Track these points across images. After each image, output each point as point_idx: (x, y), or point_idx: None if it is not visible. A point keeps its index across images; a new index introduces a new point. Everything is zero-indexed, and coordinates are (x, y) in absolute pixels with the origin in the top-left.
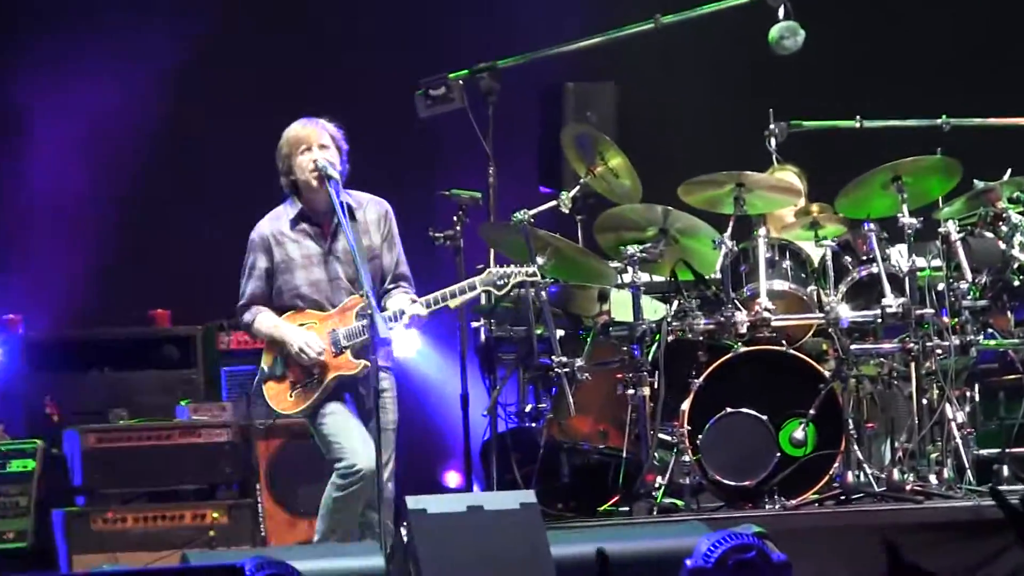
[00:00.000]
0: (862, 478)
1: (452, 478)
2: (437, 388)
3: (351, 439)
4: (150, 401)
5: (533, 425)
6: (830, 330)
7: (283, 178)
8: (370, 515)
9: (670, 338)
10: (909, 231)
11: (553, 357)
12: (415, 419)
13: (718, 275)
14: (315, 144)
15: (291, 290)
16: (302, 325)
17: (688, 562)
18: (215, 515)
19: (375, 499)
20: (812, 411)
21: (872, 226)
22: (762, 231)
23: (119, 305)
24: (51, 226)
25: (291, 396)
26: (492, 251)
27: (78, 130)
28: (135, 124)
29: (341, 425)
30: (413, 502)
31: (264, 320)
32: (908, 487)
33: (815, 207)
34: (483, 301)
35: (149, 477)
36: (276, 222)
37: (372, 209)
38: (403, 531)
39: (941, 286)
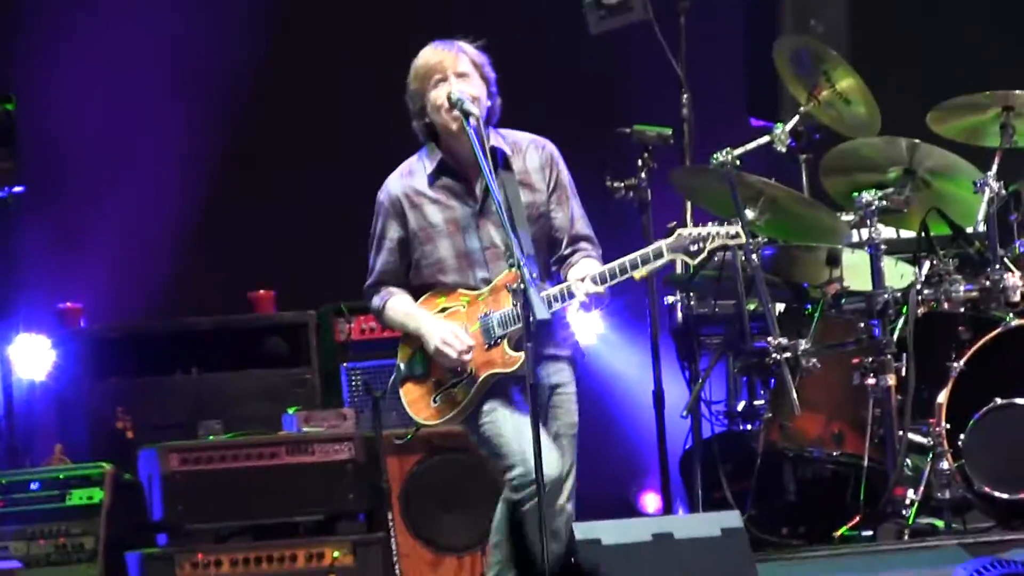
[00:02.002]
0: None
1: (650, 500)
2: (624, 383)
3: (522, 440)
4: (251, 410)
5: (747, 428)
6: None
7: (415, 121)
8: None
9: (921, 311)
10: None
11: (770, 339)
12: (597, 423)
13: (982, 227)
14: (451, 72)
15: (432, 264)
16: (445, 310)
17: None
18: (336, 554)
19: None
20: None
21: None
22: None
23: (209, 288)
24: (120, 189)
25: (435, 402)
26: (688, 204)
27: (156, 74)
28: (224, 63)
29: (509, 424)
30: (583, 531)
31: (397, 305)
32: None
33: None
34: (679, 270)
35: (250, 508)
36: (409, 179)
37: (533, 154)
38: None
39: None
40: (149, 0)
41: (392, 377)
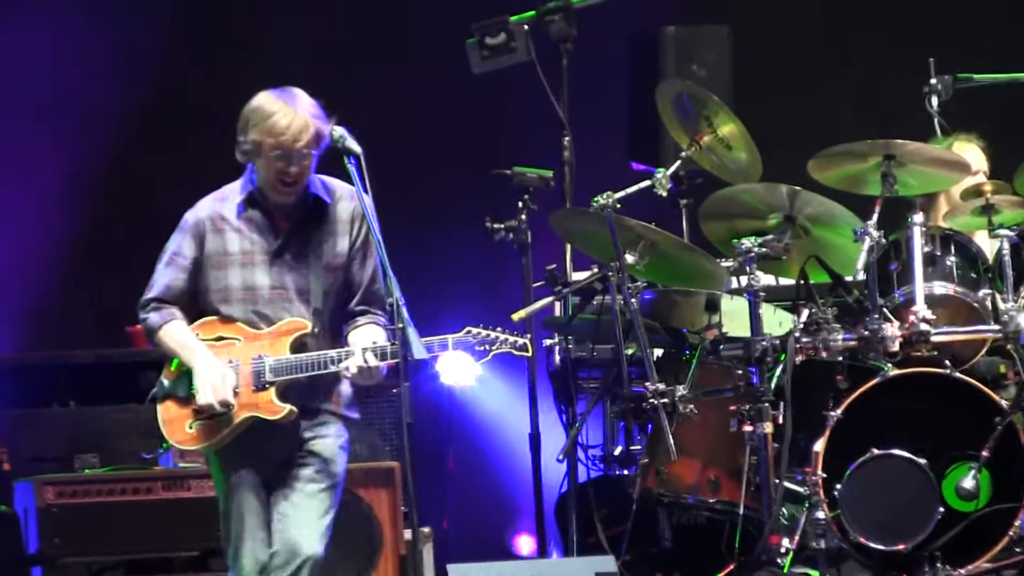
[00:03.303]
0: None
1: (524, 543)
2: (501, 425)
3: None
4: (128, 444)
5: (624, 473)
6: (1009, 347)
7: (239, 150)
8: None
9: (799, 359)
10: None
11: (648, 384)
12: (473, 465)
13: (861, 276)
14: (294, 152)
15: (219, 291)
16: (221, 339)
17: None
18: None
19: None
20: (986, 453)
21: None
22: (918, 218)
23: (87, 322)
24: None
25: (190, 428)
26: (568, 247)
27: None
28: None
29: (242, 514)
30: (457, 572)
31: (175, 332)
32: None
33: (988, 186)
34: (558, 313)
35: (125, 542)
36: (220, 204)
37: (347, 204)
38: None
39: None
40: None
41: (153, 390)
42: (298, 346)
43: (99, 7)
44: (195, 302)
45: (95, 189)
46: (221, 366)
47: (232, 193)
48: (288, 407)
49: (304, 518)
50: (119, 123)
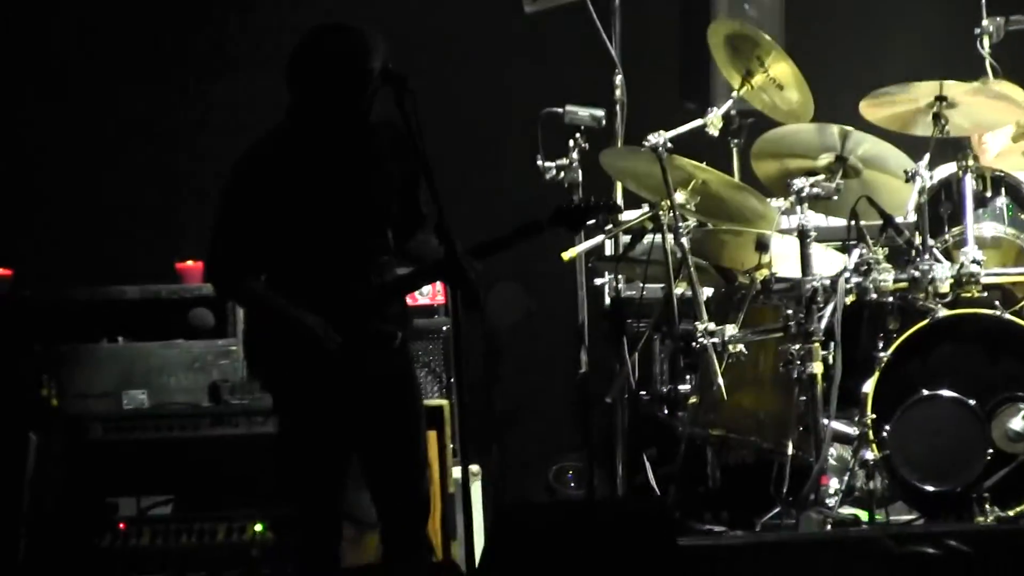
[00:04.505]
0: None
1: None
2: (549, 364)
3: None
4: (175, 381)
5: (673, 413)
6: None
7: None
8: None
9: (849, 299)
10: None
11: (698, 324)
12: (524, 405)
13: (912, 217)
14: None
15: None
16: None
17: None
18: (257, 530)
19: None
20: None
21: None
22: (970, 159)
23: (134, 257)
24: (42, 151)
25: None
26: (619, 186)
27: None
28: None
29: None
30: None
31: None
32: None
33: None
34: (608, 251)
35: (174, 479)
36: None
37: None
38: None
39: None
40: None
41: None
42: None
43: None
44: None
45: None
46: None
47: None
48: None
49: None
50: None
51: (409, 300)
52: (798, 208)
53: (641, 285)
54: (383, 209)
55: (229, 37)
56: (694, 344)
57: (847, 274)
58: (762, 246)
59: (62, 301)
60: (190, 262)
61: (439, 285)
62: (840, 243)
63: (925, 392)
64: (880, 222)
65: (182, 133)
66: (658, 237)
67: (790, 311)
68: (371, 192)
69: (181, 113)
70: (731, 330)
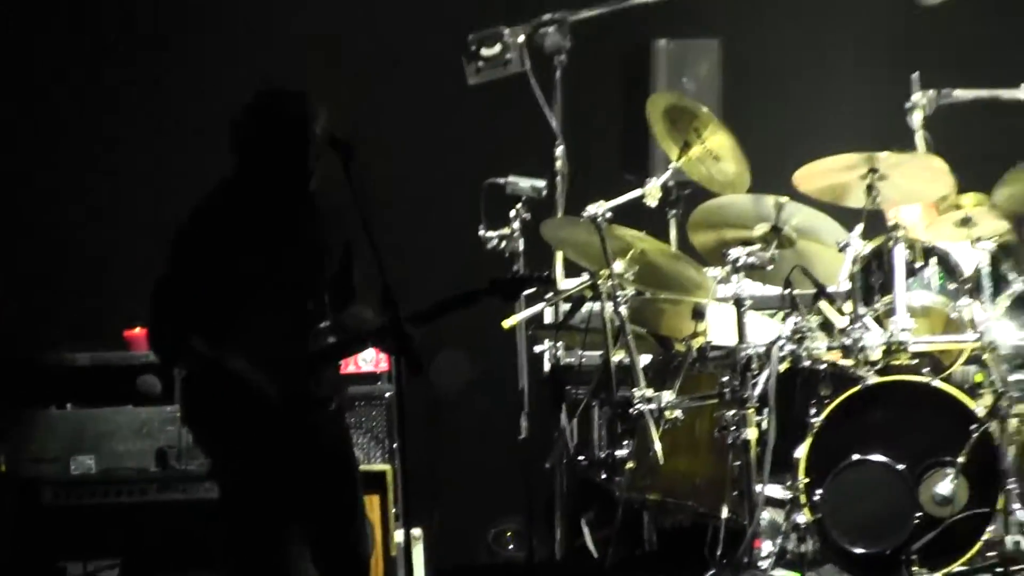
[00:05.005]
0: None
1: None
2: (490, 430)
3: None
4: (123, 446)
5: (610, 478)
6: (986, 356)
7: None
8: None
9: (783, 366)
10: None
11: (635, 390)
12: (465, 469)
13: (845, 286)
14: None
15: None
16: None
17: None
18: None
19: None
20: (962, 459)
21: None
22: (900, 230)
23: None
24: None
25: None
26: (559, 255)
27: None
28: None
29: None
30: None
31: None
32: None
33: (969, 199)
34: (548, 320)
35: (121, 544)
36: None
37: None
38: None
39: None
40: None
41: None
42: None
43: None
44: None
45: None
46: None
47: None
48: None
49: None
50: None
51: (352, 367)
52: (734, 277)
53: (580, 352)
54: (321, 275)
55: (177, 103)
56: (632, 410)
57: (781, 342)
58: (699, 314)
59: (12, 366)
60: (138, 330)
61: (382, 353)
62: (774, 311)
63: (856, 457)
64: (814, 291)
65: (130, 206)
66: (597, 305)
67: (725, 378)
68: (310, 258)
69: (131, 185)
70: (668, 396)
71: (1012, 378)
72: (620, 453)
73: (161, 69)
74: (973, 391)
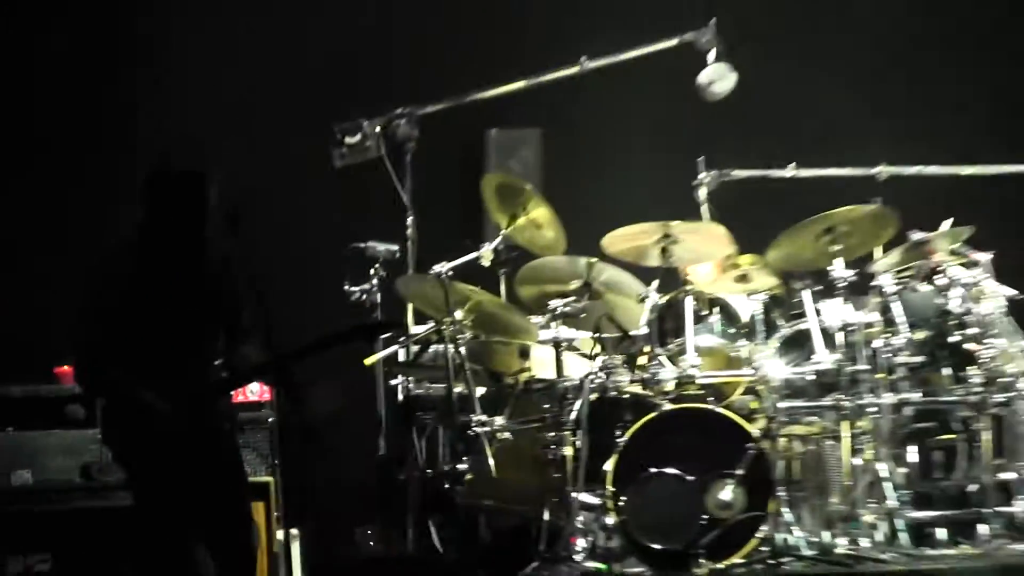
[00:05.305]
0: (791, 541)
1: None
2: (359, 448)
3: None
4: (54, 462)
5: (453, 487)
6: (759, 388)
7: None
8: None
9: (593, 396)
10: (843, 284)
11: (473, 416)
12: (337, 479)
13: (644, 330)
14: None
15: None
16: None
17: None
18: None
19: None
20: (740, 471)
21: (805, 280)
22: (690, 284)
23: (17, 360)
24: None
25: None
26: (410, 306)
27: None
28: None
29: None
30: None
31: None
32: (839, 550)
33: (746, 259)
34: (402, 358)
35: (54, 547)
36: None
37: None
38: None
39: (877, 342)
40: None
41: None
42: None
43: None
44: None
45: None
46: None
47: None
48: None
49: None
50: None
51: (242, 397)
52: (553, 323)
53: (428, 385)
54: (216, 321)
55: (108, 155)
56: (470, 432)
57: (592, 376)
58: (524, 354)
59: None
60: (66, 367)
61: (266, 385)
62: (587, 352)
63: (653, 470)
64: (619, 335)
65: (60, 246)
66: (441, 347)
67: (547, 405)
68: (206, 306)
69: (61, 223)
70: (500, 420)
71: (781, 405)
72: (461, 467)
73: (82, 121)
74: (749, 416)
